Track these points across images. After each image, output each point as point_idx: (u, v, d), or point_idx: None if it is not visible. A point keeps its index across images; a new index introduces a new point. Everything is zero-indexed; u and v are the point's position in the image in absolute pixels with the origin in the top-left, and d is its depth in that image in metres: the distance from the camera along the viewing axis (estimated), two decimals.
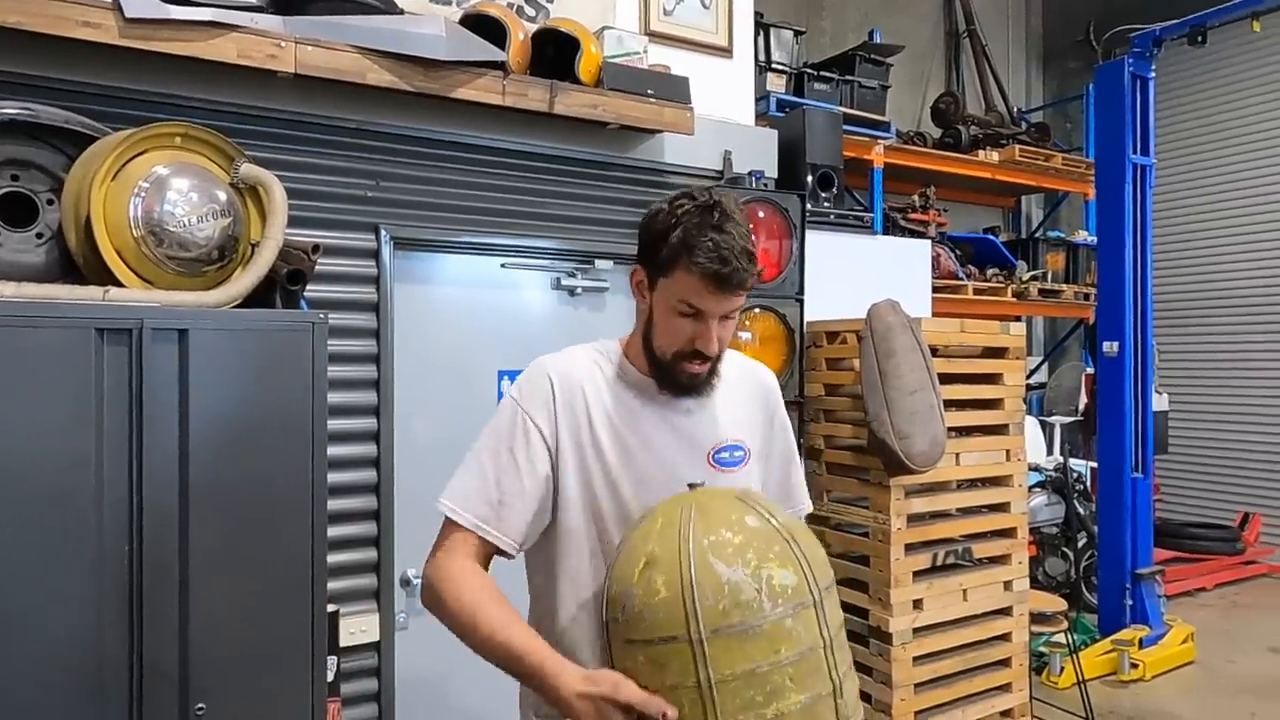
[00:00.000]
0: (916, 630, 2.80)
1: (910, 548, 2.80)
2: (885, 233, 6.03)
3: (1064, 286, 7.08)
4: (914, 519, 2.82)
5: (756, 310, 2.98)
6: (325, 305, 2.16)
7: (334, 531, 2.26)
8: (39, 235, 1.92)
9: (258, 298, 2.02)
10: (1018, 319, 8.07)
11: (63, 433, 1.73)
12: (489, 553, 1.32)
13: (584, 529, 1.31)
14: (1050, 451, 6.42)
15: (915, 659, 2.78)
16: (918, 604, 2.79)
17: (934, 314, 3.49)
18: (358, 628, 2.45)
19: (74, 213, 1.86)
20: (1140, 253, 4.86)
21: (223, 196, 1.96)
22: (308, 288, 2.16)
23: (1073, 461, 5.92)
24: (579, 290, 2.89)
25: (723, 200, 1.25)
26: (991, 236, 7.05)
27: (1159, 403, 5.43)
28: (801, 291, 2.97)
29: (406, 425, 2.59)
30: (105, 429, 1.77)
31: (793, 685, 0.93)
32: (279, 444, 1.94)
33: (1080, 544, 5.51)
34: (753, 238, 1.27)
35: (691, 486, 1.20)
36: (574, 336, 3.00)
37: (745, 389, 1.46)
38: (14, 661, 1.68)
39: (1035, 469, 5.80)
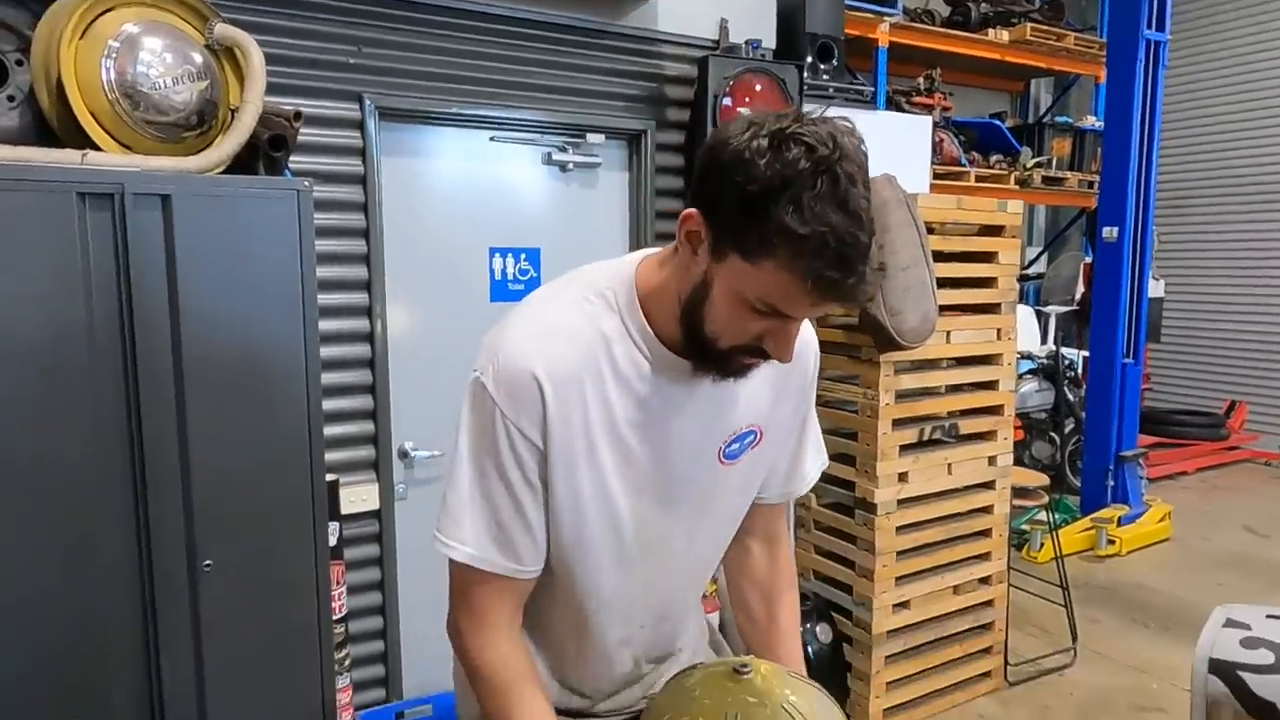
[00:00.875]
0: (901, 501, 2.88)
1: (898, 423, 2.85)
2: None
3: (1068, 174, 6.95)
4: (902, 395, 2.86)
5: None
6: (310, 176, 2.11)
7: (331, 405, 2.30)
8: (10, 98, 1.87)
9: (240, 165, 1.98)
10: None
11: (50, 300, 1.73)
12: (514, 589, 1.05)
13: (568, 551, 1.06)
14: (1045, 340, 6.46)
15: (899, 528, 2.88)
16: (903, 477, 2.87)
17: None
18: (358, 496, 2.52)
19: (44, 74, 1.81)
20: (1148, 135, 4.75)
21: (198, 59, 1.90)
22: (291, 159, 2.13)
23: (1066, 350, 5.98)
24: (570, 166, 2.83)
25: (849, 150, 0.84)
26: (997, 121, 6.86)
27: (1155, 289, 5.43)
28: None
29: (399, 300, 2.59)
30: (94, 298, 1.78)
31: None
32: (270, 314, 1.95)
33: (1068, 429, 5.62)
34: (870, 198, 0.86)
35: (738, 672, 0.99)
36: (566, 214, 3.01)
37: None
38: (20, 529, 1.74)
39: (1028, 356, 5.86)
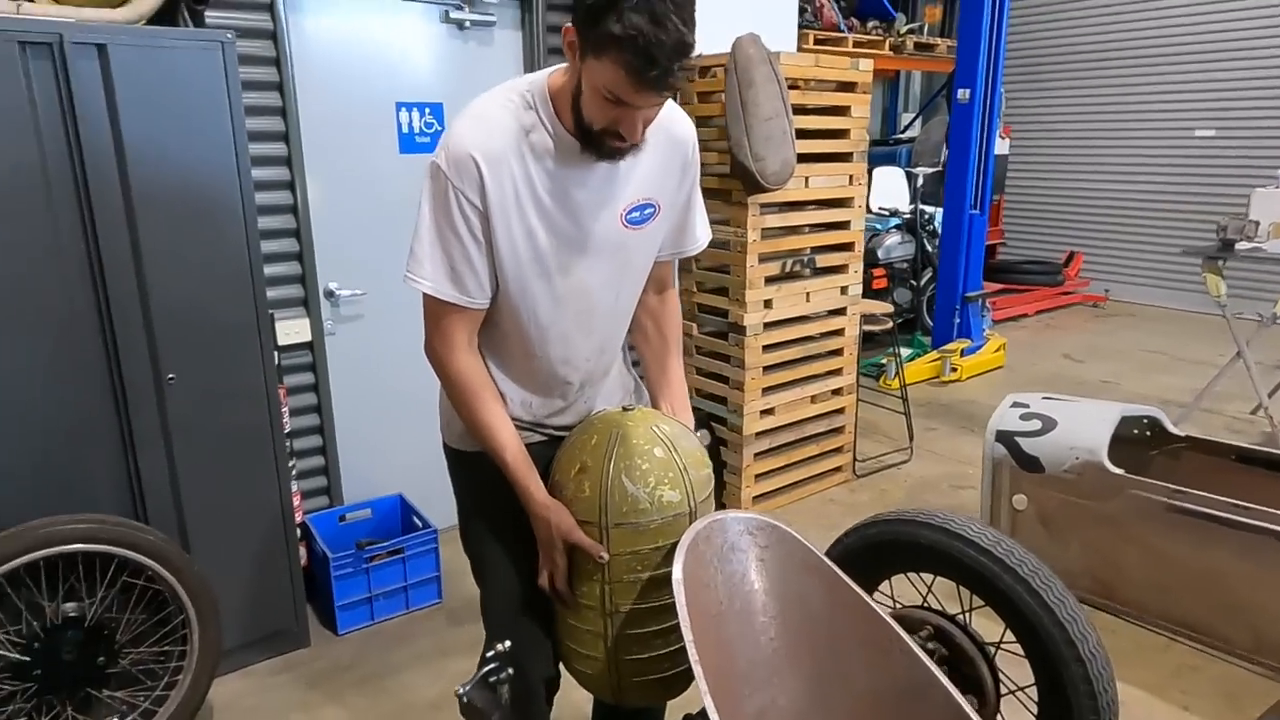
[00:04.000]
0: (767, 325, 3.40)
1: (764, 257, 3.33)
2: None
3: (939, 40, 7.40)
4: (768, 233, 3.32)
5: None
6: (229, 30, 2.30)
7: (262, 248, 2.56)
8: None
9: (162, 19, 2.16)
10: (894, 74, 8.44)
11: (3, 142, 1.94)
12: (467, 316, 1.37)
13: (512, 286, 1.37)
14: (913, 200, 7.07)
15: (764, 347, 3.41)
16: (768, 304, 3.37)
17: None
18: (292, 330, 2.83)
19: None
20: (999, 2, 5.19)
21: None
22: (207, 16, 2.30)
23: (928, 207, 6.59)
24: (467, 24, 3.05)
25: None
26: None
27: (1001, 147, 6.00)
28: None
29: (315, 152, 2.82)
30: (44, 139, 1.99)
31: (663, 562, 1.36)
32: (207, 155, 2.19)
33: (925, 278, 6.31)
34: (692, 17, 1.14)
35: (625, 409, 1.42)
36: (464, 70, 3.23)
37: (663, 145, 1.41)
38: (2, 348, 2.00)
39: (894, 213, 6.46)
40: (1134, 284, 7.63)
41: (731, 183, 3.23)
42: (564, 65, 1.31)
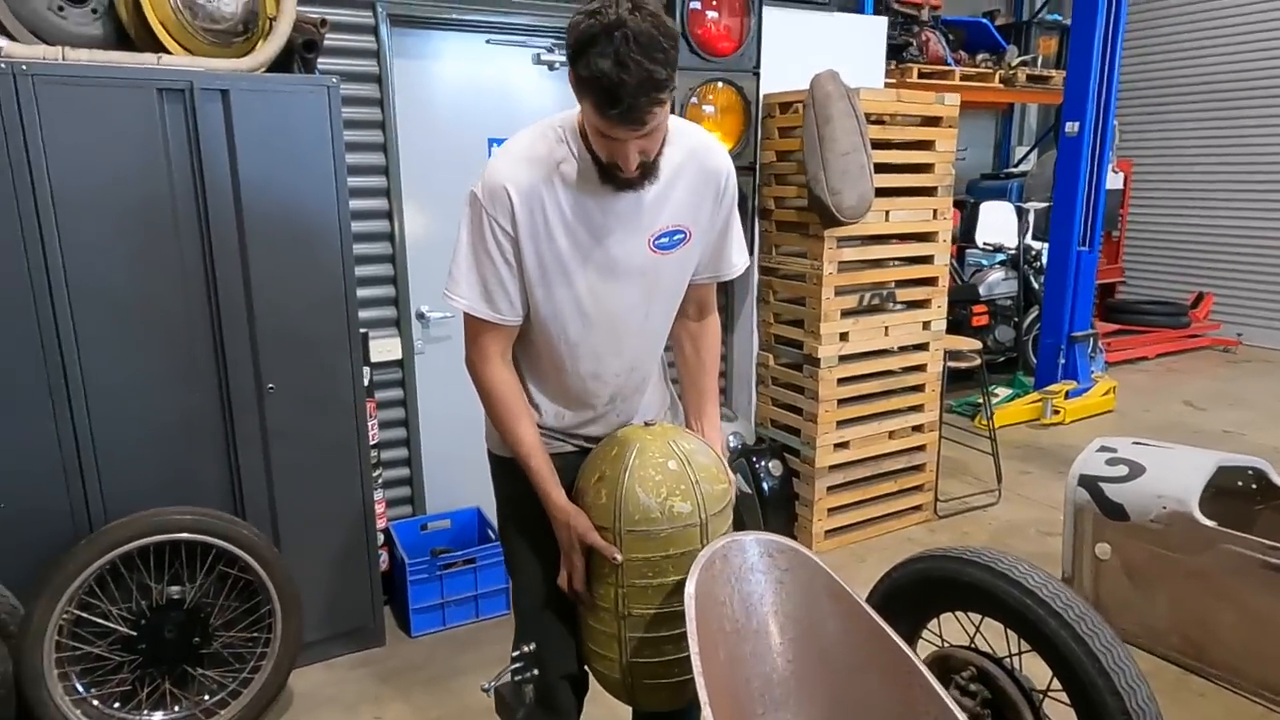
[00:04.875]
0: (842, 358, 3.39)
1: (840, 290, 3.33)
2: (876, 14, 6.10)
3: (1053, 72, 7.15)
4: (845, 265, 3.33)
5: (718, 84, 3.33)
6: (335, 75, 2.54)
7: (359, 271, 2.78)
8: (94, 10, 2.30)
9: (279, 66, 2.43)
10: (1008, 107, 8.20)
11: (139, 175, 2.23)
12: (501, 333, 1.49)
13: (542, 307, 1.48)
14: (1024, 235, 6.83)
15: (840, 380, 3.39)
16: (844, 336, 3.36)
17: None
18: (384, 348, 3.05)
19: None
20: (1112, 33, 5.01)
21: None
22: (319, 62, 2.56)
23: (1036, 243, 6.35)
24: (557, 65, 3.24)
25: (628, 20, 1.18)
26: (985, 20, 7.04)
27: (1113, 181, 5.74)
28: (758, 65, 3.30)
29: (411, 185, 3.05)
30: (174, 173, 2.26)
31: (672, 569, 1.45)
32: (311, 188, 2.43)
33: (1031, 316, 6.07)
34: (666, 55, 1.21)
35: (647, 424, 1.52)
36: (555, 108, 3.40)
37: (693, 173, 1.48)
38: (131, 350, 2.27)
39: (999, 249, 6.26)
40: (1271, 328, 7.06)
41: (809, 216, 3.26)
42: None
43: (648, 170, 1.37)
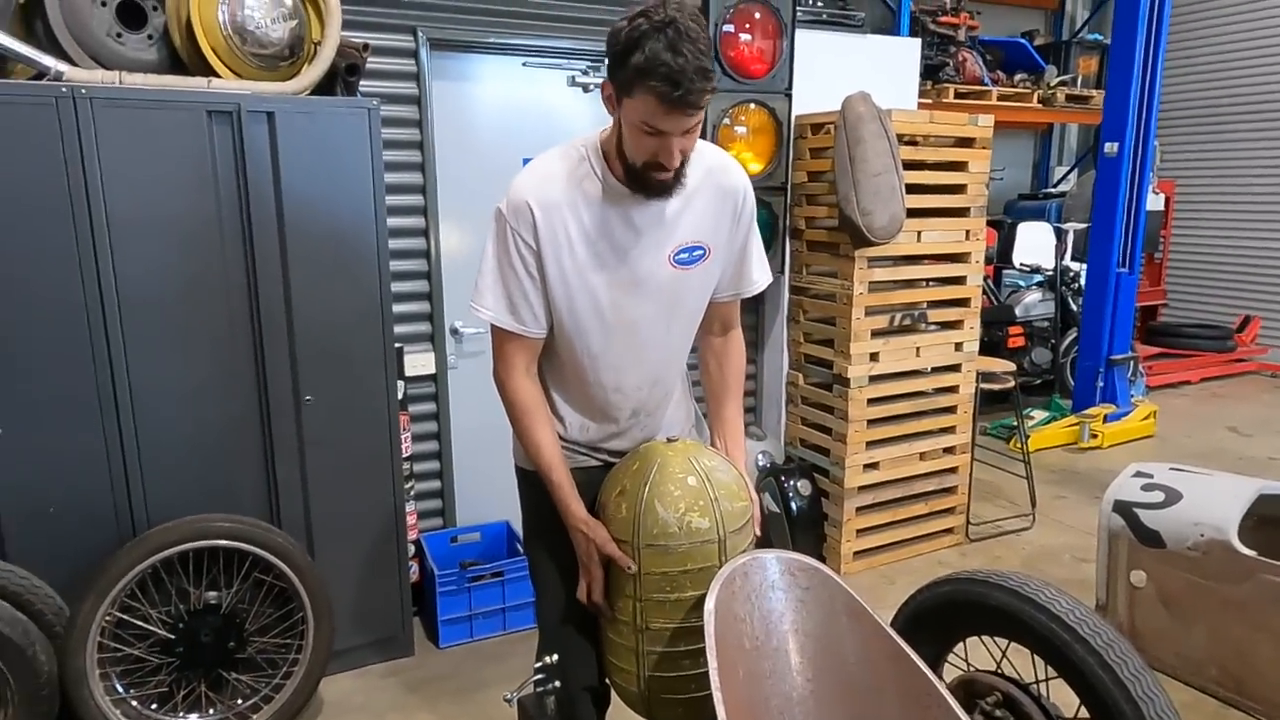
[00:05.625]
0: (873, 378, 3.38)
1: (870, 310, 3.32)
2: (913, 35, 6.10)
3: (1093, 92, 7.07)
4: (875, 286, 3.32)
5: (751, 105, 3.36)
6: (376, 98, 2.62)
7: (396, 287, 2.85)
8: (149, 37, 2.40)
9: (323, 89, 2.51)
10: (1046, 127, 8.12)
11: (189, 193, 2.32)
12: (525, 344, 1.53)
13: (565, 319, 1.52)
14: (1063, 256, 6.74)
15: (870, 400, 3.38)
16: (874, 356, 3.35)
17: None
18: (418, 362, 3.11)
19: (176, 17, 2.33)
20: (1152, 52, 4.95)
21: (289, 2, 2.41)
22: (361, 84, 2.64)
23: (1075, 264, 6.26)
24: (592, 87, 3.30)
25: (678, 18, 1.27)
26: (1023, 40, 7.00)
27: (1154, 202, 5.65)
28: (790, 87, 3.32)
29: (449, 203, 3.12)
30: (220, 191, 2.35)
31: (690, 585, 1.46)
32: (350, 207, 2.50)
33: (1069, 339, 5.97)
34: (708, 52, 1.29)
35: (670, 440, 1.54)
36: (588, 128, 3.46)
37: (711, 192, 1.52)
38: (178, 359, 2.35)
39: (1035, 270, 6.19)
40: None
41: (840, 236, 3.27)
42: (610, 124, 1.47)
43: (679, 174, 1.42)
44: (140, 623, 2.29)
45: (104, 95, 2.18)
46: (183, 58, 2.39)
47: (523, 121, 3.24)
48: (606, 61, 1.36)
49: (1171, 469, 2.90)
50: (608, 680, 1.62)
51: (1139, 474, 2.91)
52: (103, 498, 2.33)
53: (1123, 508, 2.81)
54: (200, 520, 2.34)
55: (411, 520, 3.05)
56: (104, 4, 2.31)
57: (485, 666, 2.84)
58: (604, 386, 1.58)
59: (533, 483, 1.62)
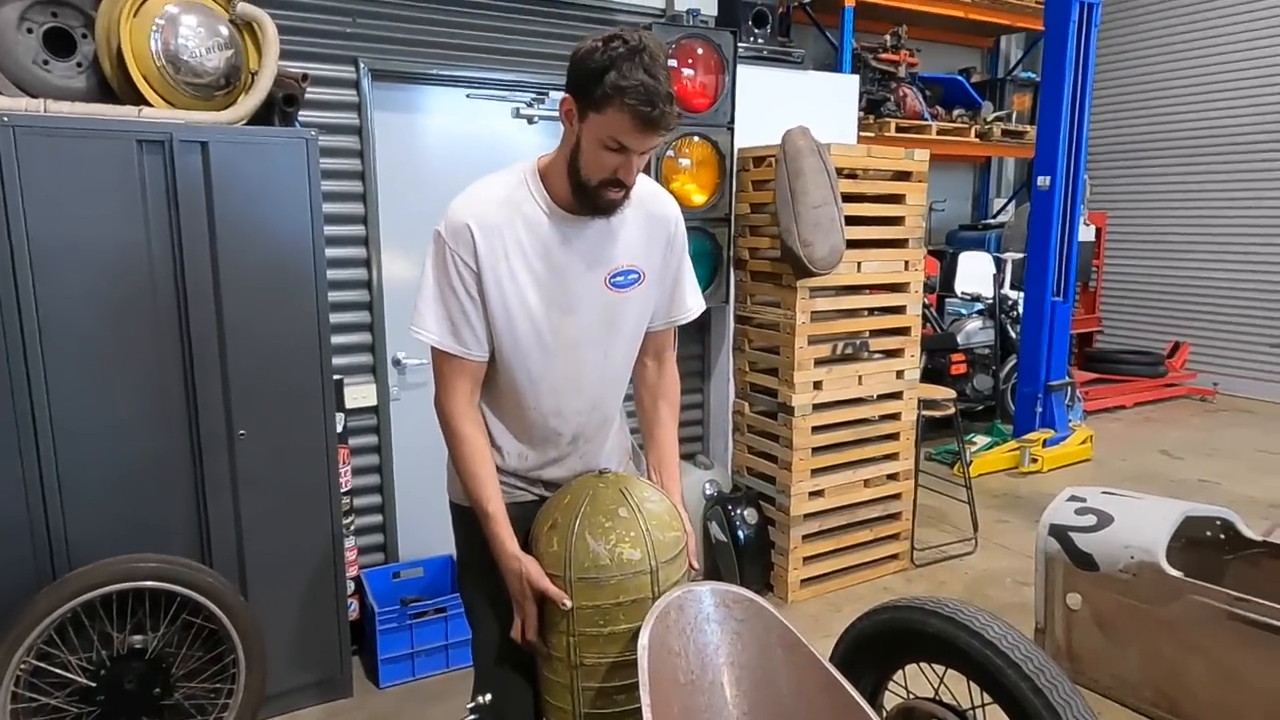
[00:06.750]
0: (816, 406, 3.42)
1: (813, 339, 3.37)
2: (855, 71, 6.27)
3: (1028, 127, 7.34)
4: (818, 315, 3.38)
5: (695, 138, 3.41)
6: (315, 128, 2.60)
7: (336, 318, 2.81)
8: (78, 64, 2.36)
9: (260, 119, 2.48)
10: (985, 160, 8.40)
11: (118, 223, 2.26)
12: (466, 368, 1.53)
13: (505, 341, 1.52)
14: (1002, 286, 6.94)
15: (814, 428, 3.42)
16: (818, 385, 3.40)
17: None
18: (359, 394, 3.06)
19: (106, 45, 2.29)
20: (1080, 91, 5.16)
21: (225, 31, 2.38)
22: (300, 114, 2.62)
23: (1014, 293, 6.45)
24: (536, 119, 3.32)
25: (650, 45, 1.34)
26: (960, 77, 7.25)
27: (1085, 234, 5.85)
28: (733, 121, 3.38)
29: (390, 234, 3.10)
30: (150, 222, 2.30)
31: (623, 618, 1.45)
32: (287, 239, 2.46)
33: (1009, 366, 6.13)
34: (669, 76, 1.37)
35: (601, 473, 1.56)
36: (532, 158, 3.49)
37: (644, 218, 1.56)
38: (102, 393, 2.28)
39: (976, 298, 6.35)
40: (1249, 378, 7.16)
41: (782, 266, 3.32)
42: (551, 151, 1.52)
43: (628, 193, 1.47)
44: (59, 670, 2.19)
45: (27, 124, 2.12)
46: (113, 86, 2.35)
47: (467, 152, 3.24)
48: (570, 77, 1.40)
49: (1104, 493, 2.98)
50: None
51: (1073, 498, 2.99)
52: (20, 537, 2.23)
53: (1058, 531, 2.88)
54: (125, 561, 2.25)
55: (351, 556, 2.98)
56: (30, 31, 2.26)
57: (428, 706, 2.77)
58: (544, 411, 1.58)
59: (467, 518, 1.59)
